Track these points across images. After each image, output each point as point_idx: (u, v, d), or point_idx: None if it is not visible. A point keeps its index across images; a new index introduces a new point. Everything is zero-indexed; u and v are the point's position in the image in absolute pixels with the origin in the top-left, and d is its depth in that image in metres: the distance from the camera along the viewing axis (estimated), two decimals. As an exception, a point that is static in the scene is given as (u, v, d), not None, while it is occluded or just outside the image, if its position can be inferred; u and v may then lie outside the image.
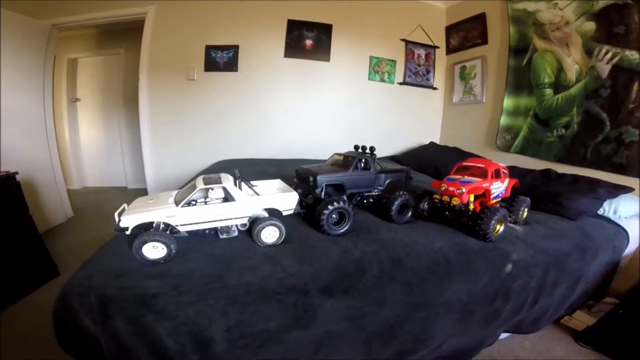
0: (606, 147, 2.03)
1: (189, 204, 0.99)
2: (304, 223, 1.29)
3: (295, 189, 1.35)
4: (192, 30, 2.92)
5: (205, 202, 1.00)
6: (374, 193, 1.49)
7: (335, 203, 1.20)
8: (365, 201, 1.48)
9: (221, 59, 2.94)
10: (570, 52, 2.26)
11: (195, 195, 1.00)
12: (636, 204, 1.80)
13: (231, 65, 2.96)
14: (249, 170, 2.16)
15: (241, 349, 0.85)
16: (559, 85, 2.34)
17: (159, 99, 2.97)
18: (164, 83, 2.94)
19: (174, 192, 1.14)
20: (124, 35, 3.87)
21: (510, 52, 2.70)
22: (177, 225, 0.98)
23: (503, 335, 1.56)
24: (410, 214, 1.41)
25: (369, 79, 3.36)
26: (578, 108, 2.21)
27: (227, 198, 1.02)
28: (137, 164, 3.98)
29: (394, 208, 1.35)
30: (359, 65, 3.32)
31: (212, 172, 1.27)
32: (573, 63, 2.25)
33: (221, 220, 1.03)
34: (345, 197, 1.39)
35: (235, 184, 1.12)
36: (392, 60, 3.39)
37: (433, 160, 2.65)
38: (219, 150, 3.03)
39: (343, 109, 3.35)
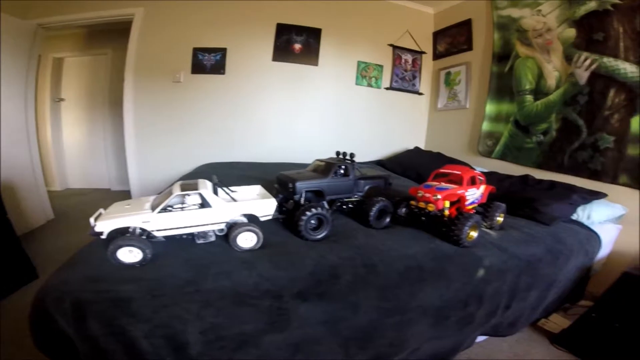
0: (582, 153, 2.08)
1: (165, 209, 1.00)
2: (285, 228, 1.30)
3: (276, 195, 1.37)
4: (179, 33, 2.91)
5: (182, 208, 1.02)
6: (353, 199, 1.51)
7: (313, 209, 1.22)
8: (345, 207, 1.49)
9: (208, 62, 2.94)
10: (551, 58, 2.31)
11: (171, 201, 1.01)
12: (609, 210, 1.85)
13: (218, 68, 2.95)
14: (233, 175, 2.17)
15: (217, 351, 0.85)
16: (539, 91, 2.40)
17: (145, 101, 2.94)
18: (150, 85, 2.92)
19: (152, 197, 1.16)
20: (111, 36, 3.83)
21: (493, 58, 2.75)
22: (152, 231, 0.99)
23: (481, 338, 1.57)
24: (388, 219, 1.44)
25: (356, 84, 3.40)
26: (557, 114, 2.26)
27: (204, 204, 1.04)
28: (121, 165, 3.91)
29: (372, 214, 1.37)
30: (347, 69, 3.35)
31: (197, 176, 1.29)
32: (553, 69, 2.30)
33: (197, 225, 1.04)
34: (324, 203, 1.42)
35: (215, 190, 1.13)
36: (380, 65, 3.43)
37: (416, 166, 2.67)
38: (205, 154, 3.02)
39: (330, 114, 3.37)
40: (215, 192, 1.12)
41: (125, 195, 2.79)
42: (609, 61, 1.97)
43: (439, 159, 2.75)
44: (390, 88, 3.49)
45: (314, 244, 1.20)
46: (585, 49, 2.10)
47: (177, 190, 1.03)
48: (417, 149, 3.47)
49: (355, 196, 1.51)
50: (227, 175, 2.13)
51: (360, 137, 3.51)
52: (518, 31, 2.54)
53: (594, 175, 2.01)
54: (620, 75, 1.91)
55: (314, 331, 1.00)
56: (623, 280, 1.52)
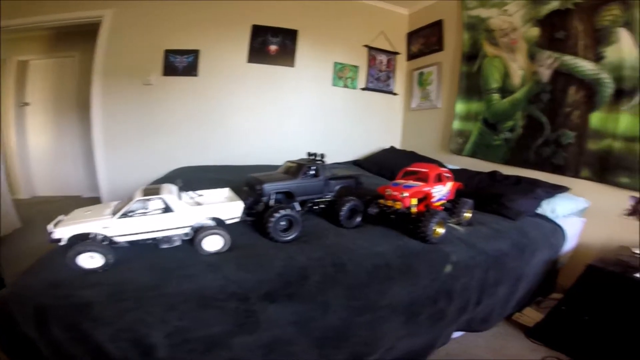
0: (546, 149, 2.17)
1: (126, 215, 0.99)
2: (254, 230, 1.29)
3: (247, 197, 1.36)
4: (150, 34, 2.84)
5: (144, 213, 1.01)
6: (325, 199, 1.51)
7: (281, 210, 1.21)
8: (316, 207, 1.49)
9: (180, 64, 2.88)
10: (516, 57, 2.39)
11: (132, 206, 1.00)
12: (573, 203, 1.93)
13: (191, 69, 2.90)
14: (207, 178, 2.13)
15: (186, 354, 0.86)
16: (505, 90, 2.48)
17: (114, 104, 2.85)
18: (119, 87, 2.83)
19: (114, 203, 1.14)
20: (79, 38, 3.67)
21: (463, 58, 2.82)
22: (114, 236, 0.98)
23: (457, 334, 1.59)
24: (359, 218, 1.45)
25: (332, 85, 3.41)
26: (522, 112, 2.34)
27: (167, 209, 1.03)
28: (91, 171, 3.78)
29: (342, 213, 1.38)
30: (323, 71, 3.36)
31: (169, 180, 1.29)
32: (518, 68, 2.38)
33: (160, 230, 1.03)
34: (295, 204, 1.41)
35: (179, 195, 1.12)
36: (355, 66, 3.46)
37: (391, 165, 2.70)
38: (179, 157, 2.95)
39: (308, 115, 3.37)
40: (180, 197, 1.11)
41: (96, 201, 2.70)
42: (569, 59, 2.05)
43: (413, 158, 2.79)
44: (366, 89, 3.52)
45: (283, 245, 1.20)
46: (548, 48, 2.17)
47: (138, 196, 1.02)
48: (392, 148, 3.51)
49: (327, 196, 1.51)
50: (201, 178, 2.09)
51: (338, 137, 3.52)
52: (486, 31, 2.60)
53: (558, 170, 2.10)
54: (580, 73, 1.99)
55: (285, 332, 1.00)
56: (588, 273, 1.55)
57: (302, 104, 3.33)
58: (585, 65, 1.97)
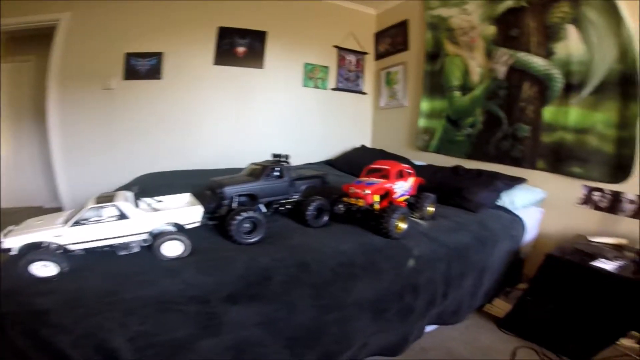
0: (505, 142, 2.27)
1: (78, 223, 0.99)
2: (218, 234, 1.28)
3: (210, 201, 1.35)
4: (110, 38, 2.73)
5: (99, 221, 1.01)
6: (291, 200, 1.52)
7: (243, 213, 1.21)
8: (282, 208, 1.50)
9: (143, 67, 2.79)
10: (475, 55, 2.48)
11: (85, 214, 1.01)
12: (531, 194, 2.02)
13: (154, 72, 2.82)
14: (174, 183, 2.07)
15: (151, 358, 0.85)
16: (466, 87, 2.57)
17: (73, 110, 2.73)
18: (78, 93, 2.71)
19: (67, 212, 1.14)
20: (36, 41, 3.48)
21: (426, 57, 2.90)
22: (67, 245, 0.98)
23: (431, 328, 1.63)
24: (326, 217, 1.46)
25: (303, 86, 3.42)
26: (481, 108, 2.43)
27: (121, 216, 1.04)
28: (53, 181, 3.62)
29: (308, 213, 1.39)
30: (294, 72, 3.37)
31: (134, 186, 1.30)
32: (477, 66, 2.47)
33: (117, 237, 1.04)
34: (260, 206, 1.41)
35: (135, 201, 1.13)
36: (325, 67, 3.49)
37: (362, 163, 2.64)
38: (144, 163, 2.85)
39: (279, 116, 3.36)
40: (136, 203, 1.11)
41: (58, 212, 2.57)
42: (523, 56, 2.14)
43: (381, 156, 2.85)
44: (336, 89, 3.55)
45: (247, 247, 1.20)
46: (504, 45, 2.26)
47: (90, 204, 1.03)
48: (363, 146, 3.56)
49: (293, 197, 1.52)
50: (167, 184, 2.03)
51: (311, 138, 3.54)
52: (447, 30, 2.68)
53: (516, 163, 2.19)
54: (532, 69, 2.09)
55: (252, 333, 1.01)
56: (547, 263, 1.58)
57: (272, 106, 3.31)
58: (537, 62, 2.06)
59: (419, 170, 2.33)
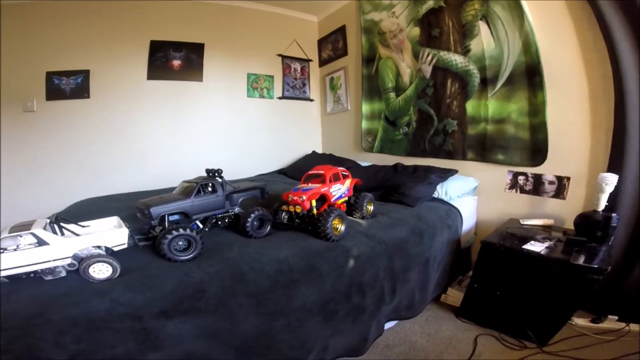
0: (437, 138, 2.41)
1: None
2: (153, 253, 1.23)
3: (143, 222, 1.30)
4: (28, 56, 2.51)
5: (16, 249, 1.00)
6: (230, 213, 1.49)
7: (174, 231, 1.17)
8: (220, 222, 1.47)
9: (67, 86, 2.60)
10: (404, 57, 2.61)
11: (2, 244, 0.99)
12: (464, 184, 2.15)
13: (81, 91, 2.63)
14: (110, 207, 1.96)
15: None
16: (399, 88, 2.70)
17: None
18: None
19: None
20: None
21: (363, 61, 3.01)
22: None
23: (391, 324, 1.66)
24: (269, 227, 1.45)
25: (248, 96, 3.38)
26: (414, 107, 2.57)
27: (40, 242, 1.02)
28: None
29: (248, 225, 1.37)
30: (237, 82, 3.32)
31: (69, 214, 1.31)
32: (406, 67, 2.60)
33: (37, 263, 1.02)
34: (197, 223, 1.38)
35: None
36: (270, 76, 3.48)
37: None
38: (79, 188, 2.63)
39: (225, 129, 3.29)
40: (55, 230, 1.10)
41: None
42: (444, 54, 2.28)
43: (331, 160, 2.90)
44: (283, 97, 3.56)
45: (180, 264, 1.17)
46: (427, 45, 2.40)
47: (4, 233, 1.02)
48: (313, 152, 3.61)
49: (231, 210, 1.50)
50: (101, 209, 1.91)
51: (261, 148, 3.50)
52: (379, 34, 2.79)
53: (449, 156, 2.34)
54: (453, 67, 2.24)
55: (196, 346, 1.02)
56: (484, 250, 1.63)
57: (216, 119, 3.23)
58: (456, 59, 2.21)
59: (363, 171, 2.42)
